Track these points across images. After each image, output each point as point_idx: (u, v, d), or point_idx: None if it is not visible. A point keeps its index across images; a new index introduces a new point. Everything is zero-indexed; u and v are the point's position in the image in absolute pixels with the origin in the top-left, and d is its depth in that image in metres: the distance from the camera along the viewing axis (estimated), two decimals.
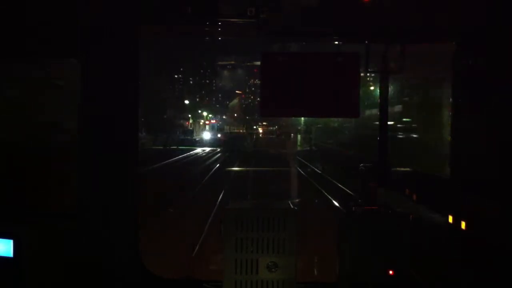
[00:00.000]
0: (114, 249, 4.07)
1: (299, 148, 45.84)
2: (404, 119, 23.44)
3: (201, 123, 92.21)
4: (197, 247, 9.79)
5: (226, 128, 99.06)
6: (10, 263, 3.63)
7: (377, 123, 4.34)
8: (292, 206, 4.08)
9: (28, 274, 3.67)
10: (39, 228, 3.80)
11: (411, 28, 4.13)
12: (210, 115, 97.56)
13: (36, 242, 3.73)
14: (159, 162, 28.26)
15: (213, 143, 59.72)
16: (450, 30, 4.25)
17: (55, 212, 4.19)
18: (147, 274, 4.43)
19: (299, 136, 50.51)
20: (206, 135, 73.34)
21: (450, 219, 4.44)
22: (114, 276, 4.09)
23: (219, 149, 47.84)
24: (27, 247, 3.65)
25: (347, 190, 16.73)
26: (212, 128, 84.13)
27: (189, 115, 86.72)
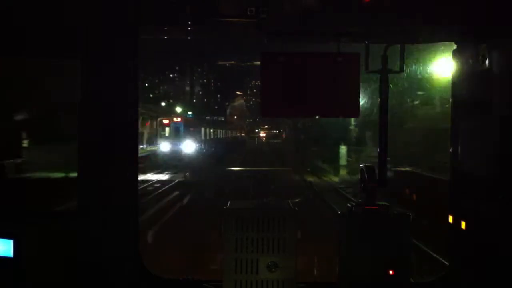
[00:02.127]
0: (114, 249, 4.07)
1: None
2: None
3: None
4: None
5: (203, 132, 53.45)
6: (10, 263, 3.63)
7: None
8: (292, 206, 4.07)
9: (28, 274, 3.67)
10: (39, 228, 3.80)
11: (411, 28, 4.13)
12: (190, 113, 64.74)
13: (36, 242, 3.74)
14: None
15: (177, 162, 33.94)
16: (450, 30, 4.25)
17: (55, 212, 4.20)
18: (147, 274, 4.43)
19: (342, 149, 25.67)
20: (165, 147, 40.77)
21: (450, 219, 4.44)
22: (114, 276, 4.09)
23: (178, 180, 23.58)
24: (27, 247, 3.65)
25: None
26: (176, 131, 44.10)
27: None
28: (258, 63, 4.23)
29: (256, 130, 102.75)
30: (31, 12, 3.92)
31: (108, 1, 3.95)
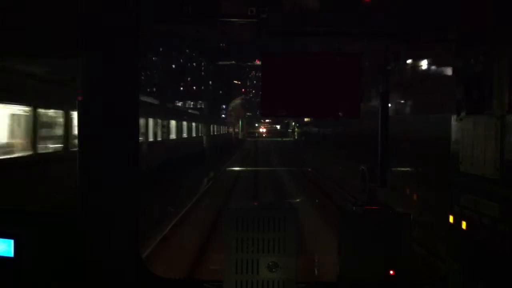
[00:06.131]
0: (114, 249, 4.08)
1: None
2: None
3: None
4: None
5: None
6: (10, 263, 3.63)
7: None
8: (292, 206, 4.08)
9: (28, 274, 3.67)
10: (39, 228, 3.80)
11: (411, 28, 4.13)
12: None
13: (36, 242, 3.74)
14: None
15: None
16: (450, 30, 4.25)
17: (55, 212, 4.20)
18: (147, 274, 4.43)
19: None
20: None
21: (451, 219, 4.44)
22: (114, 276, 4.09)
23: None
24: (28, 247, 3.65)
25: None
26: None
27: None
28: (258, 63, 4.23)
29: (256, 125, 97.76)
30: (32, 12, 3.92)
31: (109, 1, 3.96)
